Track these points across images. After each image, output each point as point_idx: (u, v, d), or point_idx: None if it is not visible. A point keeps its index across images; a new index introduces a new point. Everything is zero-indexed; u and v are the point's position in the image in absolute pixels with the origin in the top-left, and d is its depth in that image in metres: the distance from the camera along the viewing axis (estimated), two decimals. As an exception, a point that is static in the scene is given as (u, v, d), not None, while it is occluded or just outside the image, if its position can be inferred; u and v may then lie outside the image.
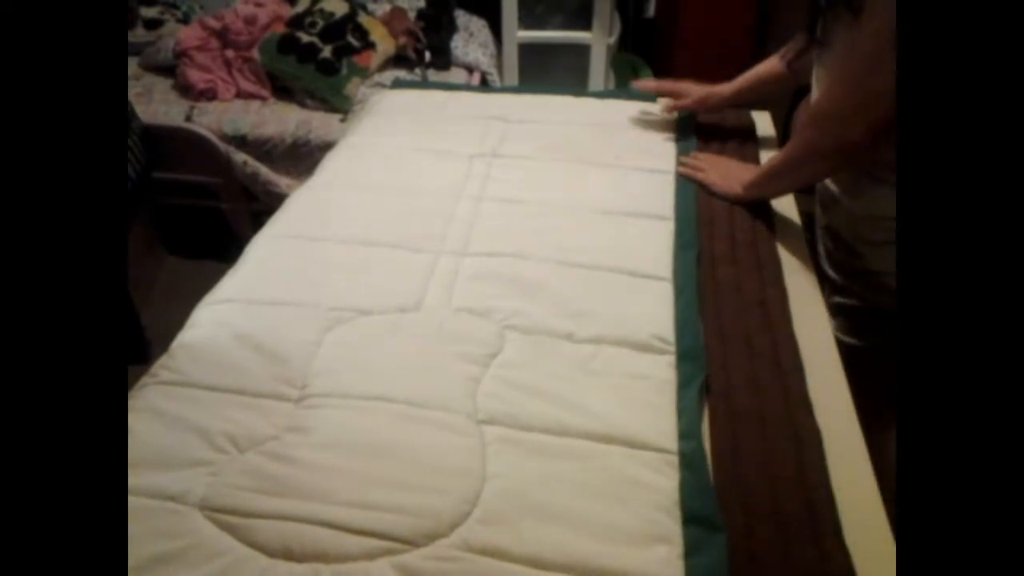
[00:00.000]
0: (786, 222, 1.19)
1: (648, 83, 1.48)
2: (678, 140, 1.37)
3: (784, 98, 1.52)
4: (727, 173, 1.23)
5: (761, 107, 1.51)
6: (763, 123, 1.49)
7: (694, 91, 1.40)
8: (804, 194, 1.21)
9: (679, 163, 1.29)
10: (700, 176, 1.24)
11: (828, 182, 1.11)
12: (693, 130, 1.40)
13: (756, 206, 1.18)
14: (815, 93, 1.07)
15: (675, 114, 1.43)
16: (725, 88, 1.37)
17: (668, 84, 1.43)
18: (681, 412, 0.81)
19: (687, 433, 0.79)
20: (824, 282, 1.13)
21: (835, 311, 1.12)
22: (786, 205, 1.22)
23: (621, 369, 0.87)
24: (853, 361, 0.96)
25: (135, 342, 1.88)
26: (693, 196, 1.20)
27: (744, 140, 1.40)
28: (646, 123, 1.44)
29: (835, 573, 0.67)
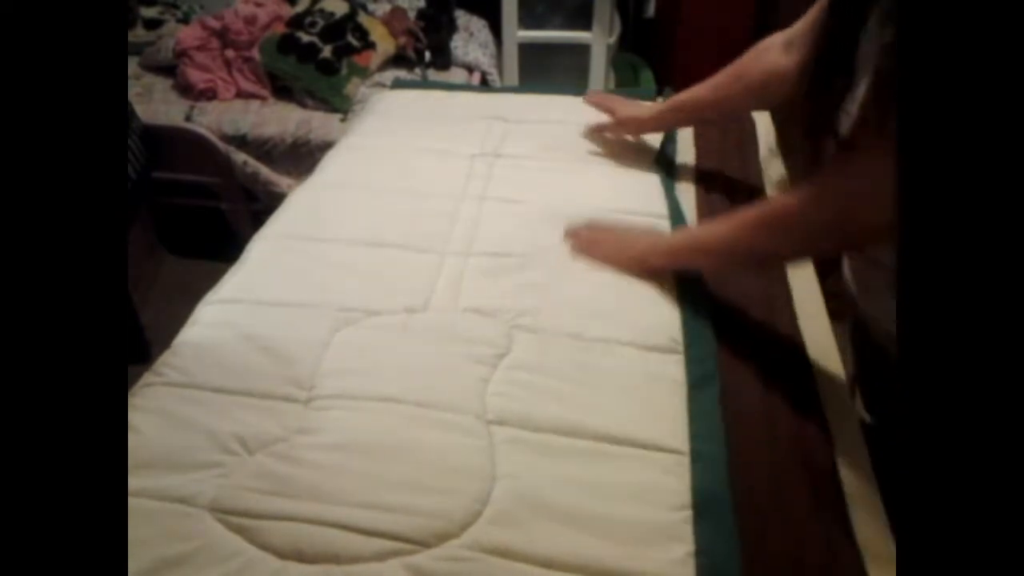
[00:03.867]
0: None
1: (592, 98, 1.36)
2: (666, 142, 1.34)
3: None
4: (624, 245, 1.02)
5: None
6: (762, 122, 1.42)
7: (619, 110, 1.27)
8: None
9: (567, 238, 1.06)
10: (587, 255, 1.02)
11: None
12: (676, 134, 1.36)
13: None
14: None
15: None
16: (643, 110, 1.25)
17: (605, 101, 1.31)
18: (693, 413, 0.82)
19: (699, 434, 0.79)
20: None
21: None
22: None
23: (630, 369, 0.87)
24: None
25: (135, 342, 1.88)
26: (693, 198, 1.20)
27: (743, 145, 1.35)
28: None
29: (845, 574, 0.67)
